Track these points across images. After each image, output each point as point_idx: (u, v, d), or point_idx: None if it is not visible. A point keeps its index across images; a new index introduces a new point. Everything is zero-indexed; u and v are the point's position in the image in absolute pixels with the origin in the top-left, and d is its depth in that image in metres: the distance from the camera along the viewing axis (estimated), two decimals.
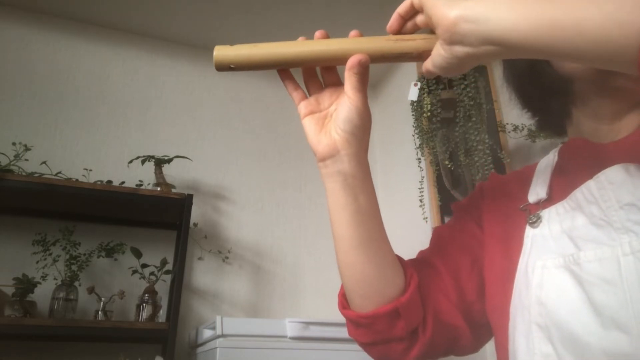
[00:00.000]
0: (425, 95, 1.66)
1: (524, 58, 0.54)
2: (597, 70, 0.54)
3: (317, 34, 0.56)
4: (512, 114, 1.66)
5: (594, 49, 0.39)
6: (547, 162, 0.63)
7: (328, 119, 0.57)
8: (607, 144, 0.57)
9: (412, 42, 0.52)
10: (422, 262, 0.67)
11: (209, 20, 2.24)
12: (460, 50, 0.46)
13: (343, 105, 0.55)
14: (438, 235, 0.71)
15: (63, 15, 2.21)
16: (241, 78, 2.46)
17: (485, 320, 0.63)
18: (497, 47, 0.44)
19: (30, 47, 2.13)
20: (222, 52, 0.54)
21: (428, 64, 0.51)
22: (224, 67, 0.55)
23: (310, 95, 0.59)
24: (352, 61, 0.53)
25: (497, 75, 2.00)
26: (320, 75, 0.60)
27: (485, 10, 0.44)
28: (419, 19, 0.52)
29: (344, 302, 0.63)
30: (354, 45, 0.54)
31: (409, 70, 2.27)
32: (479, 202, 0.69)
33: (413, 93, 1.66)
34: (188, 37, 2.36)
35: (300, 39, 0.56)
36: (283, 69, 0.58)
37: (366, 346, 0.63)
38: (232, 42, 0.56)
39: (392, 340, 0.60)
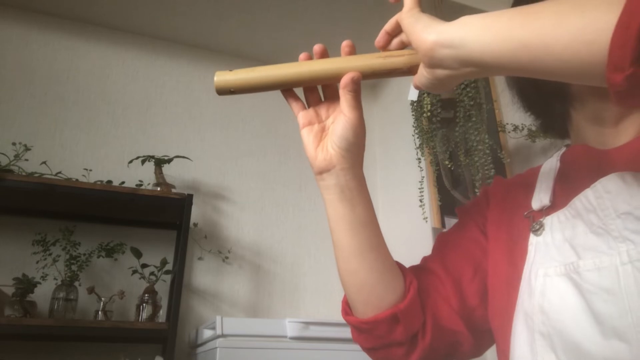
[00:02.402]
0: (425, 95, 1.66)
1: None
2: None
3: (316, 47, 0.58)
4: (512, 114, 1.66)
5: (563, 67, 0.40)
6: (550, 167, 0.63)
7: (325, 132, 0.60)
8: (608, 150, 0.57)
9: (400, 58, 0.54)
10: (423, 268, 0.67)
11: (209, 20, 2.24)
12: (440, 72, 0.48)
13: (339, 122, 0.57)
14: (440, 241, 0.72)
15: (63, 15, 2.21)
16: None
17: (487, 326, 0.63)
18: (475, 68, 0.46)
19: (30, 47, 2.13)
20: (222, 77, 0.58)
21: (416, 81, 0.53)
22: (224, 91, 0.58)
23: (309, 107, 0.62)
24: (345, 80, 0.55)
25: (497, 75, 2.00)
26: (319, 89, 0.62)
27: (460, 34, 0.46)
28: (405, 37, 0.54)
29: (347, 309, 0.64)
30: (346, 64, 0.56)
31: None
32: (484, 208, 0.69)
33: (413, 93, 1.66)
34: (188, 37, 2.36)
35: (301, 55, 0.59)
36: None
37: (369, 351, 0.64)
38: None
39: (392, 345, 0.61)
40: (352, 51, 0.58)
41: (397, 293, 0.60)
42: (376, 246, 0.60)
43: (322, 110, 0.61)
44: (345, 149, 0.57)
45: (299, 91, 0.62)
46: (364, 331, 0.62)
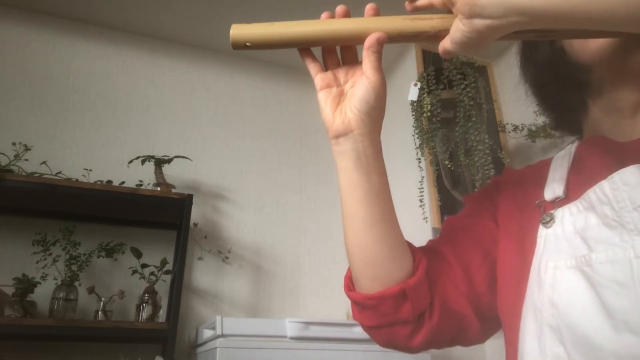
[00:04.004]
0: (425, 95, 1.66)
1: (544, 35, 0.52)
2: (616, 54, 0.54)
3: (338, 9, 0.56)
4: (512, 114, 1.67)
5: (621, 10, 0.38)
6: (564, 157, 0.62)
7: (344, 97, 0.58)
8: (627, 142, 0.56)
9: (429, 21, 0.52)
10: (431, 250, 0.66)
11: (209, 20, 2.24)
12: (480, 23, 0.45)
13: (360, 84, 0.55)
14: (449, 226, 0.70)
15: (63, 15, 2.21)
16: (241, 78, 2.46)
17: (494, 313, 0.62)
18: (521, 17, 0.43)
19: (30, 47, 2.13)
20: (239, 30, 0.54)
21: (446, 43, 0.51)
22: (240, 45, 0.55)
23: (327, 70, 0.60)
24: (370, 40, 0.53)
25: (497, 75, 2.00)
26: (338, 52, 0.60)
27: None
28: None
29: (350, 285, 0.62)
30: (371, 24, 0.54)
31: (409, 70, 2.27)
32: (495, 197, 0.68)
33: (413, 93, 1.66)
34: (188, 37, 2.36)
35: (324, 15, 0.56)
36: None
37: (371, 329, 0.62)
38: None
39: (397, 323, 0.59)
40: (377, 14, 0.56)
41: (406, 270, 0.59)
42: (388, 218, 0.59)
43: (341, 74, 0.59)
44: (365, 113, 0.55)
45: (318, 54, 0.60)
46: (369, 307, 0.59)
